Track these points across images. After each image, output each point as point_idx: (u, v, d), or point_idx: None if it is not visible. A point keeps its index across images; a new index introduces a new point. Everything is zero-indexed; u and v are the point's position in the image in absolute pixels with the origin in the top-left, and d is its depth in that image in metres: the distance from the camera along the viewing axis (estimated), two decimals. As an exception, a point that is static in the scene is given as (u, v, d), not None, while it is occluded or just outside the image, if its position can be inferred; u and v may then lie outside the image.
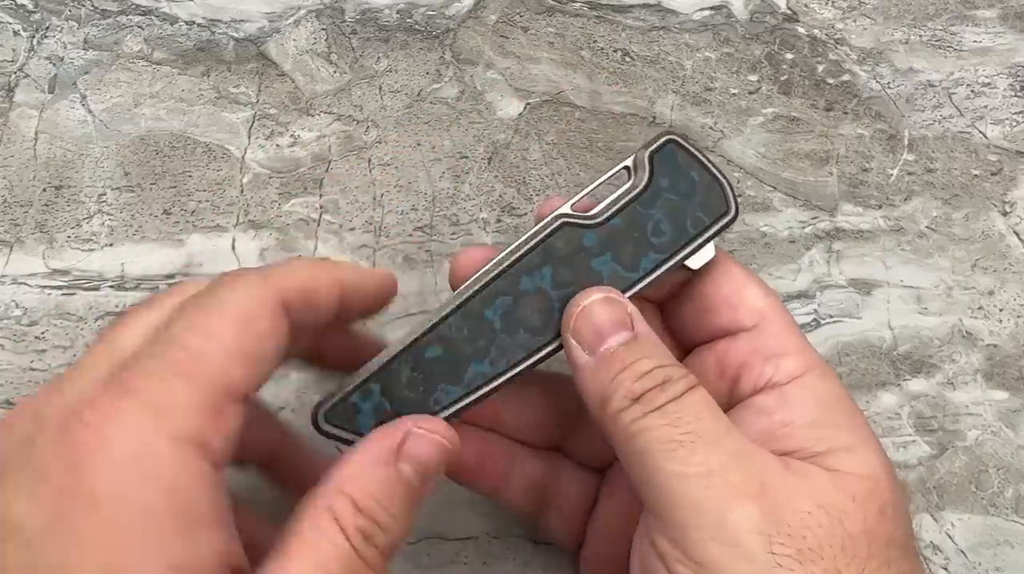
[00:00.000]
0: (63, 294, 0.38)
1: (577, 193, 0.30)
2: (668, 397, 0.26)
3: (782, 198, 0.41)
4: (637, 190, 0.29)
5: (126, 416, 0.22)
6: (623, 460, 0.27)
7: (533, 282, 0.29)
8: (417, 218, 0.40)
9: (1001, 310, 0.40)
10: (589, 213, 0.30)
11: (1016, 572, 0.37)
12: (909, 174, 0.41)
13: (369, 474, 0.25)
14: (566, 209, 0.30)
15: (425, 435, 0.27)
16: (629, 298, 0.29)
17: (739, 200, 0.30)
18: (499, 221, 0.40)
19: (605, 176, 0.31)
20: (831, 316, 0.39)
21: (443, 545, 0.36)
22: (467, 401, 0.29)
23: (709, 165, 0.30)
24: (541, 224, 0.29)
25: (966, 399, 0.39)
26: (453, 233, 0.40)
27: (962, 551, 0.37)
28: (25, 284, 0.38)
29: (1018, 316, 0.40)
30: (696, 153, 0.30)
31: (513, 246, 0.29)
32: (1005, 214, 0.41)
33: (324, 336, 0.30)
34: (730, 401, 0.30)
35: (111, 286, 0.38)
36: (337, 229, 0.39)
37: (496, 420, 0.32)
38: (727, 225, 0.30)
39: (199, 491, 0.22)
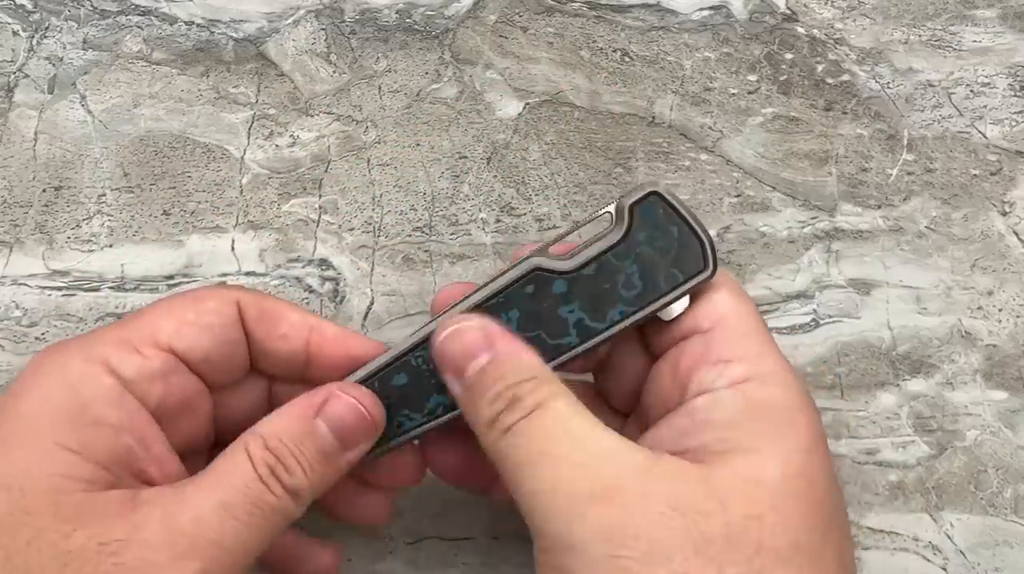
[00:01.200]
0: (63, 295, 0.38)
1: (561, 228, 0.32)
2: (517, 416, 0.27)
3: (781, 198, 0.41)
4: (613, 242, 0.30)
5: (66, 349, 0.28)
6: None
7: (499, 324, 0.29)
8: (416, 218, 0.40)
9: (1000, 310, 0.40)
10: (564, 257, 0.30)
11: (1015, 572, 0.37)
12: (908, 174, 0.41)
13: (285, 422, 0.28)
14: (541, 260, 0.30)
15: (343, 398, 0.29)
16: (596, 344, 0.30)
17: (718, 258, 0.30)
18: (498, 221, 0.40)
19: (586, 220, 0.31)
20: (830, 316, 0.39)
21: (442, 545, 0.36)
22: (427, 427, 0.30)
23: (691, 221, 0.30)
24: (514, 267, 0.30)
25: (965, 399, 0.39)
26: (452, 233, 0.40)
27: (961, 551, 0.37)
28: (25, 285, 0.38)
29: (1017, 316, 0.40)
30: (679, 208, 0.30)
31: (485, 286, 0.30)
32: (1004, 214, 0.41)
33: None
34: (680, 404, 0.29)
35: (111, 287, 0.38)
36: (336, 229, 0.39)
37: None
38: (702, 282, 0.30)
39: (97, 398, 0.27)
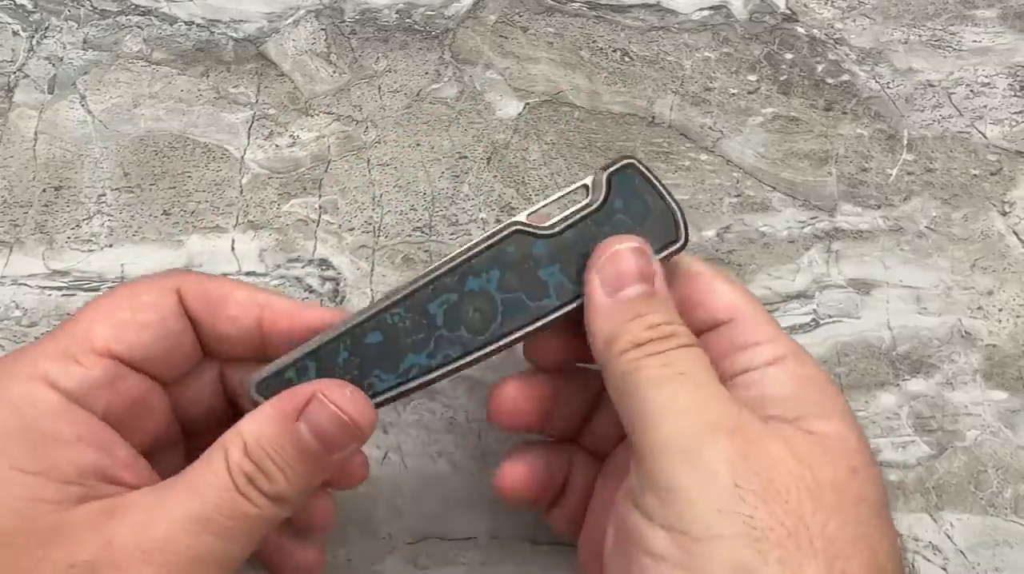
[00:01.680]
0: (63, 295, 0.38)
1: (539, 202, 0.31)
2: (668, 346, 0.28)
3: (781, 198, 0.41)
4: (592, 207, 0.30)
5: (6, 365, 0.28)
6: (616, 397, 0.28)
7: (479, 283, 0.30)
8: (416, 218, 0.40)
9: (1000, 310, 0.40)
10: (543, 224, 0.30)
11: (1015, 572, 0.37)
12: (908, 174, 0.41)
13: (266, 425, 0.28)
14: (521, 217, 0.30)
15: (325, 404, 0.28)
16: (575, 307, 0.30)
17: (689, 230, 0.31)
18: (498, 221, 0.40)
19: (564, 191, 0.31)
20: (830, 316, 0.39)
21: (442, 545, 0.36)
22: (400, 390, 0.29)
23: (664, 192, 0.31)
24: (494, 229, 0.30)
25: (965, 399, 0.39)
26: (452, 233, 0.40)
27: (961, 551, 0.37)
28: (25, 285, 0.38)
29: (1017, 316, 0.40)
30: (653, 179, 0.31)
31: (465, 246, 0.30)
32: (1004, 214, 0.41)
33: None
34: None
35: (111, 287, 0.38)
36: (336, 229, 0.39)
37: (546, 419, 0.33)
38: (675, 252, 0.31)
39: (44, 415, 0.27)
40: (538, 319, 0.30)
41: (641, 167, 0.31)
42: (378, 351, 0.29)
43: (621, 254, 0.29)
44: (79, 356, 0.28)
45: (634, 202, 0.30)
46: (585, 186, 0.31)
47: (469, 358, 0.30)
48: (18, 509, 0.25)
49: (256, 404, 0.29)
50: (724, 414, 0.26)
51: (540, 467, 0.33)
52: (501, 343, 0.30)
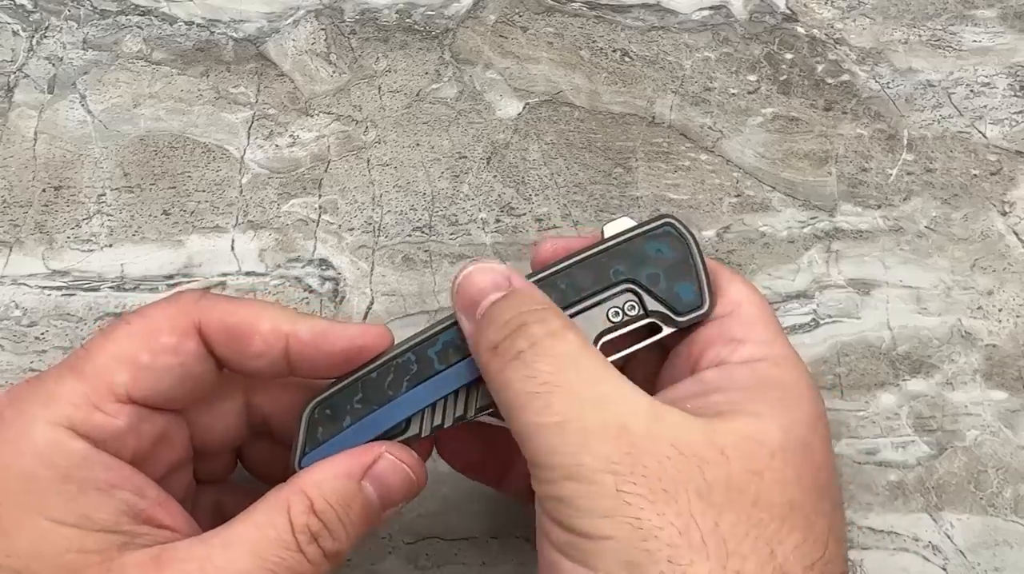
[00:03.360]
0: (63, 295, 0.38)
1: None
2: (526, 343, 0.27)
3: (781, 198, 0.41)
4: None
5: (23, 404, 0.27)
6: (501, 411, 0.28)
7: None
8: (416, 218, 0.40)
9: (1000, 310, 0.40)
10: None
11: (1015, 572, 0.37)
12: (908, 174, 0.41)
13: (332, 483, 0.28)
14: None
15: (394, 463, 0.28)
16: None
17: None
18: (498, 221, 0.40)
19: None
20: (830, 316, 0.39)
21: (442, 545, 0.36)
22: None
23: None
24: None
25: (965, 399, 0.39)
26: (452, 233, 0.40)
27: (961, 551, 0.37)
28: (25, 285, 0.38)
29: (1017, 316, 0.40)
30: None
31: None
32: (1004, 214, 0.41)
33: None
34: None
35: (111, 287, 0.38)
36: (336, 229, 0.39)
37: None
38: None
39: (76, 465, 0.26)
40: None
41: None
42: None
43: (470, 277, 0.29)
44: (101, 405, 0.27)
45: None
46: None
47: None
48: (65, 563, 0.25)
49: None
50: (605, 416, 0.26)
51: (485, 438, 0.33)
52: None
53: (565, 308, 0.30)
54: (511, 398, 0.26)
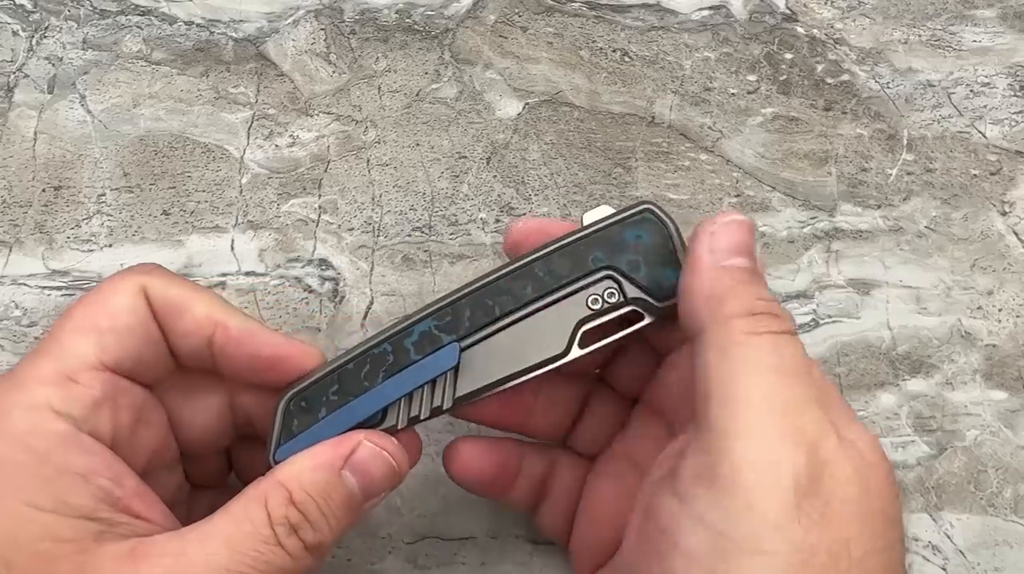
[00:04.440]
0: (63, 295, 0.38)
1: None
2: (778, 328, 0.27)
3: (781, 198, 0.41)
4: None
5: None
6: (706, 363, 0.27)
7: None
8: (416, 218, 0.40)
9: (1000, 310, 0.40)
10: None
11: (1015, 572, 0.37)
12: (908, 174, 0.41)
13: (312, 474, 0.27)
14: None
15: (374, 450, 0.28)
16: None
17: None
18: (498, 221, 0.40)
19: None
20: (830, 316, 0.39)
21: (441, 545, 0.36)
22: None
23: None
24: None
25: (965, 399, 0.39)
26: (452, 233, 0.40)
27: (961, 551, 0.37)
28: (25, 285, 0.38)
29: (1017, 316, 0.40)
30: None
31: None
32: (1004, 214, 0.41)
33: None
34: None
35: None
36: (336, 229, 0.39)
37: (510, 414, 0.33)
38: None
39: (55, 448, 0.26)
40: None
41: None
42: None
43: (730, 225, 0.28)
44: (76, 375, 0.27)
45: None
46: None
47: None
48: (40, 552, 0.25)
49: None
50: (810, 424, 0.25)
51: (494, 453, 0.32)
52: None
53: (543, 295, 0.30)
54: (747, 359, 0.26)
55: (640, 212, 0.30)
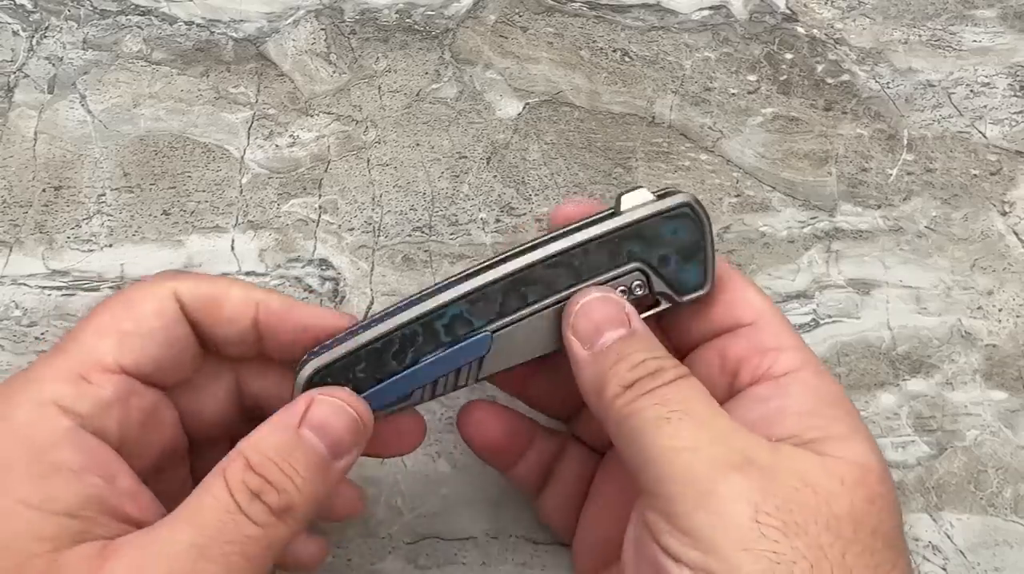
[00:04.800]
0: (63, 295, 0.38)
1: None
2: (659, 382, 0.27)
3: (781, 198, 0.41)
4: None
5: (11, 391, 0.27)
6: (617, 443, 0.28)
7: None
8: (416, 218, 0.40)
9: (1000, 310, 0.40)
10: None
11: (1015, 572, 0.37)
12: (908, 174, 0.41)
13: (268, 438, 0.27)
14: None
15: (332, 403, 0.28)
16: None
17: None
18: (498, 221, 0.40)
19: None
20: (830, 316, 0.39)
21: (442, 545, 0.36)
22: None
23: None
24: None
25: (965, 399, 0.39)
26: (452, 233, 0.40)
27: (961, 551, 0.37)
28: (25, 285, 0.38)
29: (1017, 316, 0.40)
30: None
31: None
32: (1004, 214, 0.41)
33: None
34: (730, 393, 0.30)
35: (111, 287, 0.38)
36: (336, 229, 0.39)
37: (522, 385, 0.34)
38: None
39: (53, 444, 0.26)
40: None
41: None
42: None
43: (590, 305, 0.29)
44: (88, 375, 0.27)
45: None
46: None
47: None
48: (16, 549, 0.24)
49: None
50: (732, 449, 0.26)
51: (508, 421, 0.33)
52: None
53: (575, 284, 0.30)
54: (641, 424, 0.26)
55: (680, 206, 0.31)
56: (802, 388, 0.29)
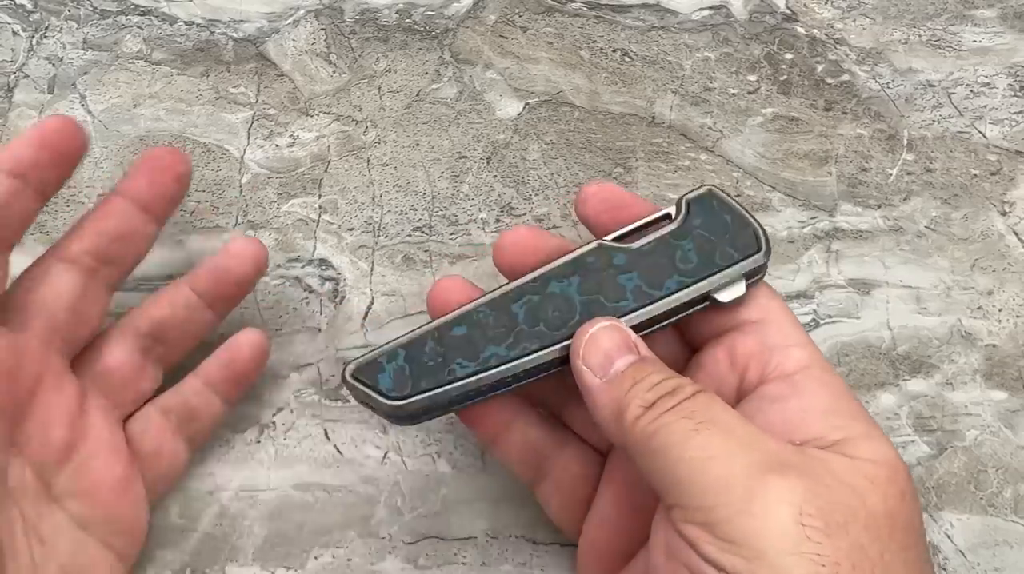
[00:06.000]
0: (62, 294, 0.38)
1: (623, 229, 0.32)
2: (680, 398, 0.27)
3: (781, 198, 0.41)
4: (671, 226, 0.32)
5: None
6: (642, 463, 0.27)
7: (561, 287, 0.31)
8: (416, 218, 0.40)
9: (1000, 310, 0.40)
10: (624, 244, 0.32)
11: (1015, 572, 0.37)
12: (908, 174, 0.41)
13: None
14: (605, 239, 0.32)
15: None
16: (653, 318, 0.31)
17: (770, 243, 0.31)
18: (498, 221, 0.40)
19: (647, 220, 0.32)
20: (830, 316, 0.39)
21: (442, 545, 0.36)
22: (480, 376, 0.31)
23: (744, 212, 0.32)
24: (578, 247, 0.32)
25: (965, 399, 0.39)
26: (452, 233, 0.40)
27: (961, 551, 0.37)
28: (25, 284, 0.38)
29: (1017, 316, 0.40)
30: (733, 202, 0.32)
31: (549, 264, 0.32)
32: (1004, 214, 0.41)
33: None
34: (739, 391, 0.31)
35: (110, 286, 0.38)
36: (336, 229, 0.39)
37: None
38: (757, 264, 0.31)
39: None
40: (617, 317, 0.31)
41: (719, 192, 0.32)
42: (462, 341, 0.31)
43: (598, 336, 0.29)
44: None
45: (713, 221, 0.31)
46: (668, 214, 0.32)
47: (545, 350, 0.31)
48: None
49: (350, 385, 0.31)
50: (765, 453, 0.26)
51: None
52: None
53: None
54: (668, 439, 0.26)
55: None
56: (816, 386, 0.29)
